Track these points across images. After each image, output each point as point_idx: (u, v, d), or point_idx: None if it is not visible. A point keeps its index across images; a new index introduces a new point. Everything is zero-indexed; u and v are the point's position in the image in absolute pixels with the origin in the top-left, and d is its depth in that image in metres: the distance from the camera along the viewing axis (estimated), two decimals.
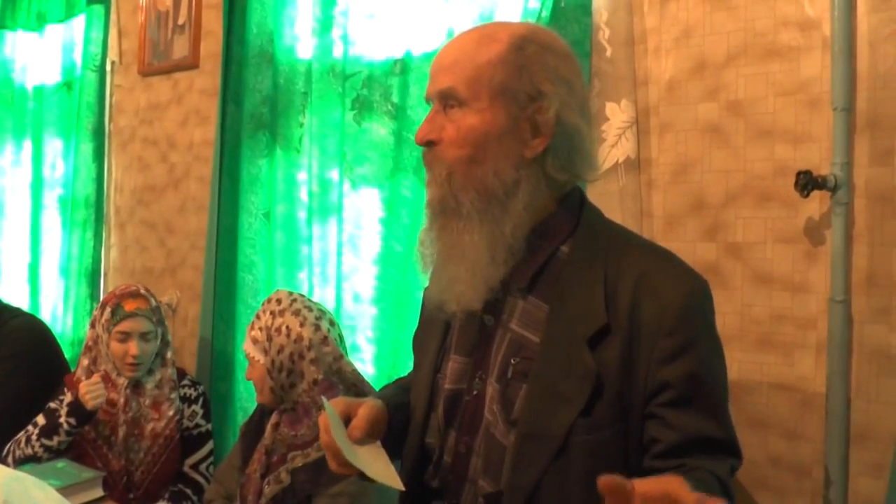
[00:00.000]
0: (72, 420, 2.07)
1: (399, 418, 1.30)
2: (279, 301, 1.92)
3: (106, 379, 2.20)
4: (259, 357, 1.89)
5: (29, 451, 2.07)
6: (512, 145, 1.14)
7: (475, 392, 1.21)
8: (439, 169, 1.17)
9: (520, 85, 1.13)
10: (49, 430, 2.09)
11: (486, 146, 1.14)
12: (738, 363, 1.71)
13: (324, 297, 2.32)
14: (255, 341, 1.91)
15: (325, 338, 1.88)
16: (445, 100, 1.16)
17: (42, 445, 2.07)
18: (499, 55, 1.14)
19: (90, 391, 2.07)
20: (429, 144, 1.18)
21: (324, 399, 1.23)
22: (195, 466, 2.23)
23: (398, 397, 1.36)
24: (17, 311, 2.67)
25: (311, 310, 1.91)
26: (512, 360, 1.16)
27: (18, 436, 2.15)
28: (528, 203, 1.15)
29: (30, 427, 2.17)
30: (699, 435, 1.09)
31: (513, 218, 1.14)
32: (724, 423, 1.12)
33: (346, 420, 1.21)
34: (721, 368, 1.16)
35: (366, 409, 1.22)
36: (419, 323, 1.41)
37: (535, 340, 1.15)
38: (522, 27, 1.19)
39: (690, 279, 1.15)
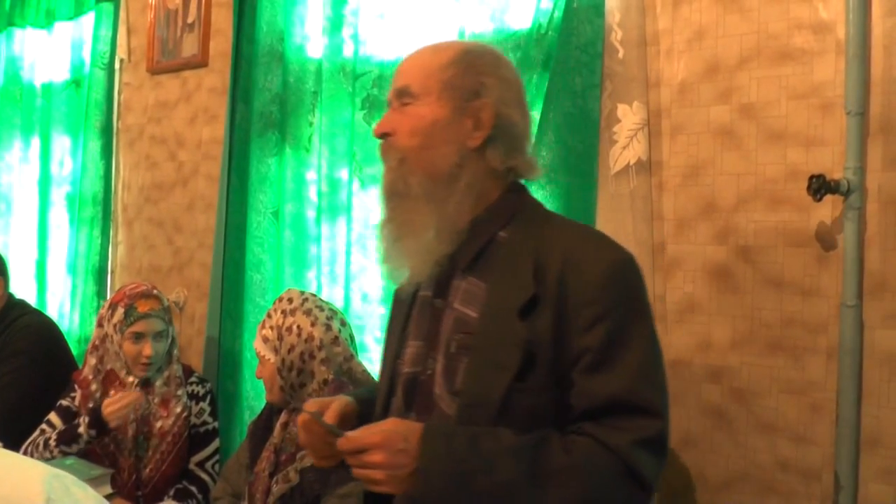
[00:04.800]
0: (93, 432, 2.08)
1: (368, 411, 1.40)
2: (290, 300, 1.92)
3: (113, 378, 2.20)
4: (269, 356, 1.89)
5: (47, 454, 2.08)
6: (456, 135, 1.28)
7: (429, 372, 1.30)
8: (393, 156, 1.31)
9: (464, 82, 1.29)
10: (68, 439, 2.09)
11: (433, 134, 1.28)
12: (748, 366, 1.71)
13: (332, 296, 2.32)
14: (265, 340, 1.91)
15: (336, 338, 1.88)
16: (402, 97, 1.31)
17: (61, 452, 2.08)
18: (448, 58, 1.31)
19: (115, 412, 2.06)
20: (384, 137, 1.33)
21: (303, 405, 1.35)
22: (201, 464, 2.24)
23: (368, 394, 1.46)
24: (26, 309, 2.69)
25: (322, 309, 1.91)
26: (455, 337, 1.27)
27: (35, 437, 2.16)
28: (470, 185, 1.28)
29: (45, 427, 2.19)
30: (609, 400, 1.17)
31: (455, 198, 1.28)
32: (641, 387, 1.18)
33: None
34: (643, 334, 1.21)
35: (336, 404, 1.34)
36: (387, 321, 1.52)
37: (475, 316, 1.25)
38: (476, 42, 1.39)
39: (612, 253, 1.25)
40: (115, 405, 2.06)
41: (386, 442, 1.14)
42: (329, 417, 1.30)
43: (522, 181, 1.38)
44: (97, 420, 2.07)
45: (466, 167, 1.28)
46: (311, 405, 1.34)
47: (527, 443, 1.15)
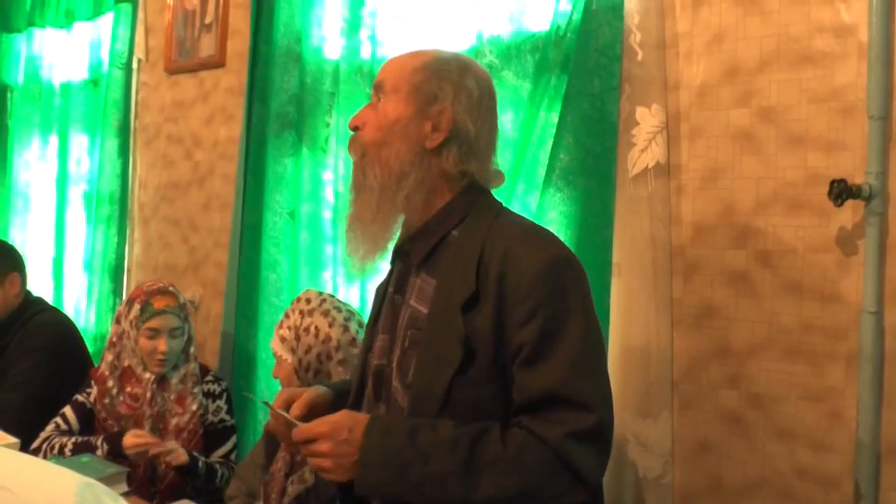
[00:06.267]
0: (106, 447, 2.08)
1: (343, 401, 1.48)
2: (308, 301, 1.92)
3: (130, 374, 2.22)
4: (286, 356, 1.89)
5: (60, 457, 2.09)
6: (415, 135, 1.35)
7: (392, 365, 1.36)
8: (357, 149, 1.39)
9: (427, 86, 1.36)
10: (83, 451, 2.10)
11: (394, 131, 1.35)
12: (766, 372, 1.69)
13: (348, 296, 2.32)
14: (283, 340, 1.91)
15: (354, 339, 1.88)
16: (377, 92, 1.39)
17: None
18: (421, 62, 1.38)
19: (134, 447, 2.06)
20: (356, 130, 1.40)
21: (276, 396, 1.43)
22: (225, 457, 2.25)
23: (344, 386, 1.54)
24: (43, 306, 2.71)
25: (340, 310, 1.91)
26: (408, 332, 1.34)
27: (50, 434, 2.17)
28: (421, 181, 1.34)
29: (59, 421, 2.21)
30: (543, 394, 1.22)
31: (404, 192, 1.34)
32: (573, 380, 1.22)
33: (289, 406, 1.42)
34: (577, 329, 1.25)
35: (307, 395, 1.44)
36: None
37: (425, 312, 1.32)
38: (452, 51, 1.45)
39: (549, 249, 1.30)
40: (138, 440, 2.06)
41: (331, 433, 1.22)
42: (297, 406, 1.40)
43: (488, 187, 1.43)
44: (114, 446, 2.08)
45: (420, 165, 1.35)
46: (281, 395, 1.45)
47: (465, 435, 1.21)
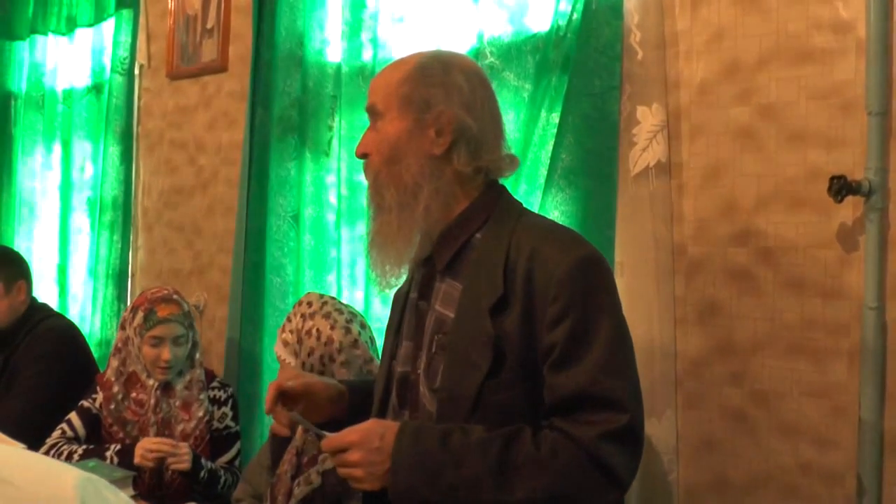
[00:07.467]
0: (116, 460, 2.10)
1: (361, 400, 1.51)
2: (310, 304, 1.93)
3: (135, 380, 2.23)
4: (290, 360, 1.90)
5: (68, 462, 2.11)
6: (420, 145, 1.35)
7: (418, 371, 1.37)
8: (371, 174, 1.40)
9: (417, 95, 1.35)
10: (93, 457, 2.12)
11: (398, 148, 1.35)
12: (769, 369, 1.70)
13: (352, 299, 2.33)
14: (285, 344, 1.92)
15: (356, 341, 1.89)
16: (372, 115, 1.40)
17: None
18: (404, 73, 1.37)
19: (144, 455, 2.08)
20: (364, 157, 1.41)
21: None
22: (230, 464, 2.26)
23: (362, 385, 1.58)
24: (48, 312, 2.72)
25: (341, 312, 1.92)
26: (435, 337, 1.34)
27: (57, 441, 2.18)
28: (437, 190, 1.34)
29: (65, 427, 2.22)
30: (574, 395, 1.21)
31: (422, 204, 1.34)
32: (604, 381, 1.21)
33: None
34: (607, 330, 1.24)
35: (307, 379, 1.49)
36: (387, 323, 1.59)
37: (451, 316, 1.32)
38: (430, 52, 1.44)
39: (576, 249, 1.29)
40: (153, 447, 2.08)
41: (362, 441, 1.23)
42: (293, 383, 1.45)
43: (501, 181, 1.44)
44: (124, 454, 2.10)
45: (433, 175, 1.34)
46: (290, 373, 1.48)
47: (496, 438, 1.20)
